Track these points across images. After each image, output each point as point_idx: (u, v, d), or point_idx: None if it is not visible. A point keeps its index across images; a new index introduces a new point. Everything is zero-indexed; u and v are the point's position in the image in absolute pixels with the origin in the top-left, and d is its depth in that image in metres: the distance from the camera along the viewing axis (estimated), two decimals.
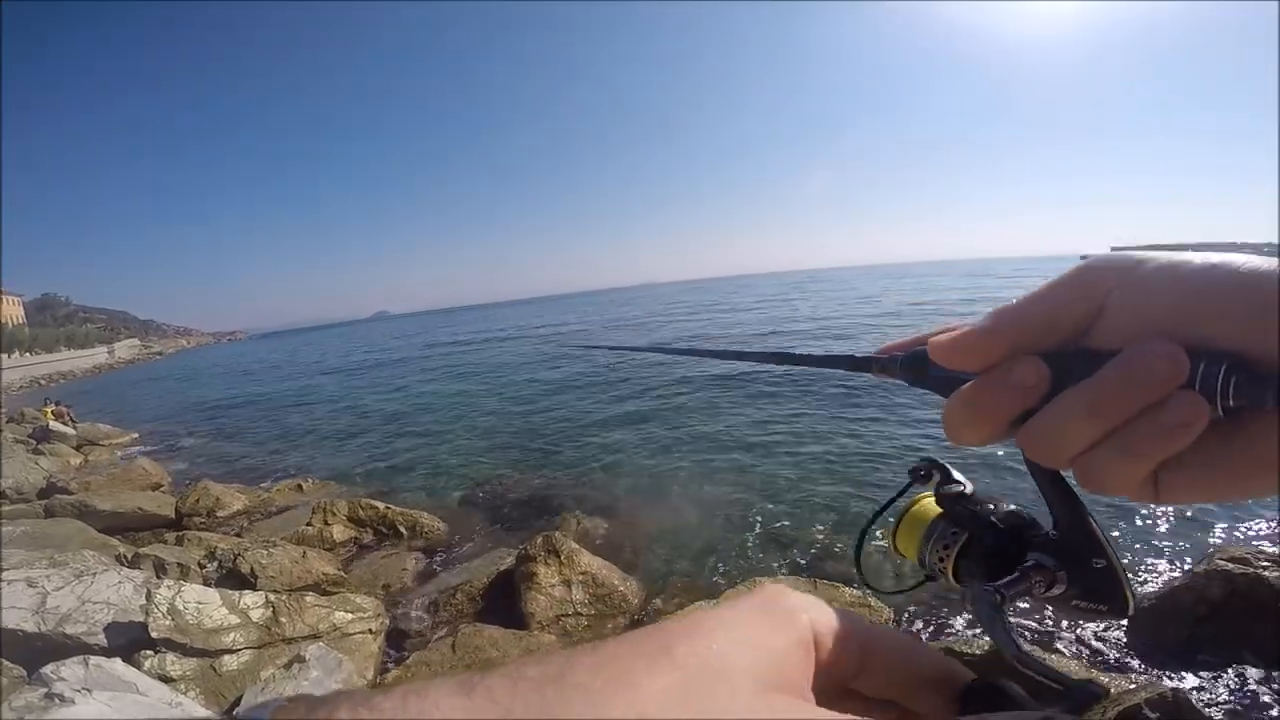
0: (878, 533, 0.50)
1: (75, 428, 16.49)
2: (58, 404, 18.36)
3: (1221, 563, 3.56)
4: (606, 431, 10.77)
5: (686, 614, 0.29)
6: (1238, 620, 3.39)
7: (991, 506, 0.41)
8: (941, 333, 0.34)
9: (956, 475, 0.43)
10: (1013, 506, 0.41)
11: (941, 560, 0.41)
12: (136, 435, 16.54)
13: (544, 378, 18.32)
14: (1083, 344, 0.30)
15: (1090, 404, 0.28)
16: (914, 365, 0.37)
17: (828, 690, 0.28)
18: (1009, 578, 0.35)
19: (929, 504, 0.44)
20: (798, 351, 0.47)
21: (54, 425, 15.87)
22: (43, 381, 55.76)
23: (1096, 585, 0.34)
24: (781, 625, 0.27)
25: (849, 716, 0.23)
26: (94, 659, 2.98)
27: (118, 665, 3.06)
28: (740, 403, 11.64)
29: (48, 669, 2.81)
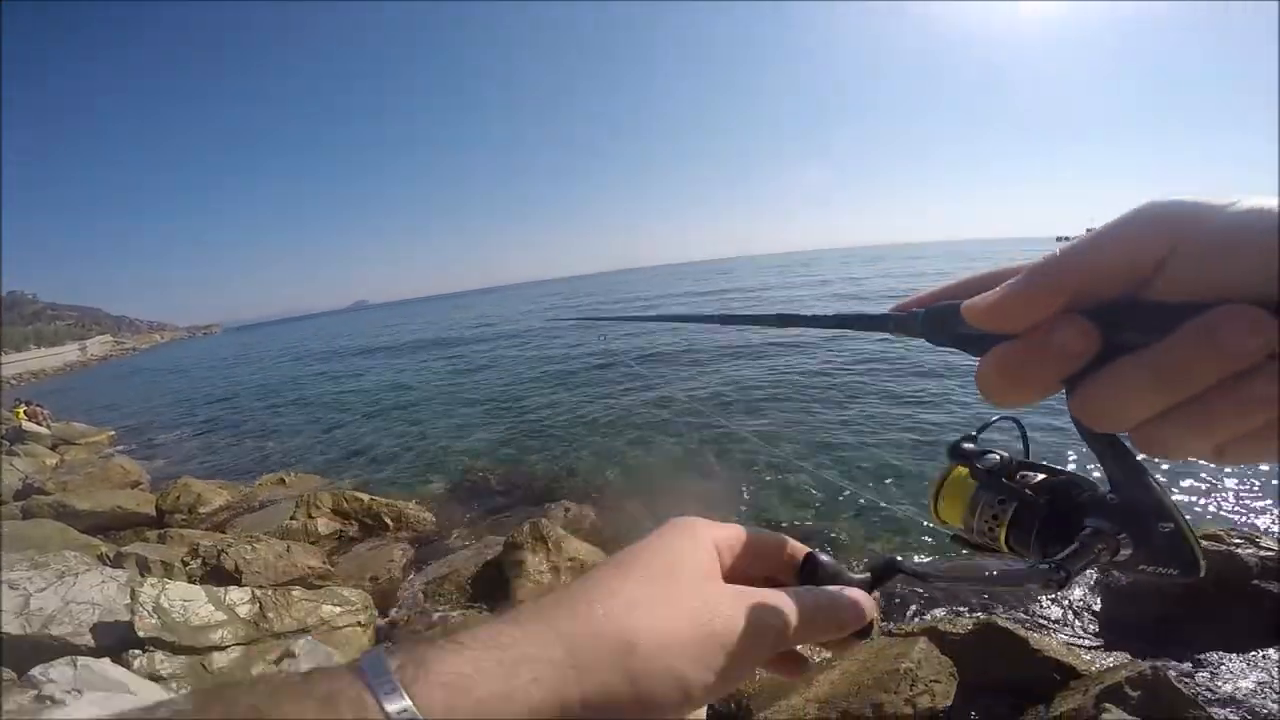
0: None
1: (50, 427, 16.16)
2: (30, 404, 17.95)
3: None
4: (592, 417, 10.76)
5: (630, 548, 0.40)
6: (1213, 597, 3.49)
7: (1038, 476, 0.40)
8: (964, 284, 0.33)
9: (990, 453, 0.42)
10: (1061, 469, 0.40)
11: (992, 530, 0.40)
12: (113, 433, 16.19)
13: (528, 364, 18.24)
14: (1136, 296, 0.27)
15: (1162, 375, 0.25)
16: (938, 322, 0.33)
17: (730, 578, 0.40)
18: (1070, 549, 0.33)
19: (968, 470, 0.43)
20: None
21: (27, 425, 15.54)
22: (12, 381, 54.41)
23: (1164, 548, 0.32)
24: (697, 537, 0.41)
25: (748, 588, 0.38)
26: (82, 660, 2.94)
27: (107, 665, 3.03)
28: (726, 385, 11.71)
29: (36, 671, 2.77)
